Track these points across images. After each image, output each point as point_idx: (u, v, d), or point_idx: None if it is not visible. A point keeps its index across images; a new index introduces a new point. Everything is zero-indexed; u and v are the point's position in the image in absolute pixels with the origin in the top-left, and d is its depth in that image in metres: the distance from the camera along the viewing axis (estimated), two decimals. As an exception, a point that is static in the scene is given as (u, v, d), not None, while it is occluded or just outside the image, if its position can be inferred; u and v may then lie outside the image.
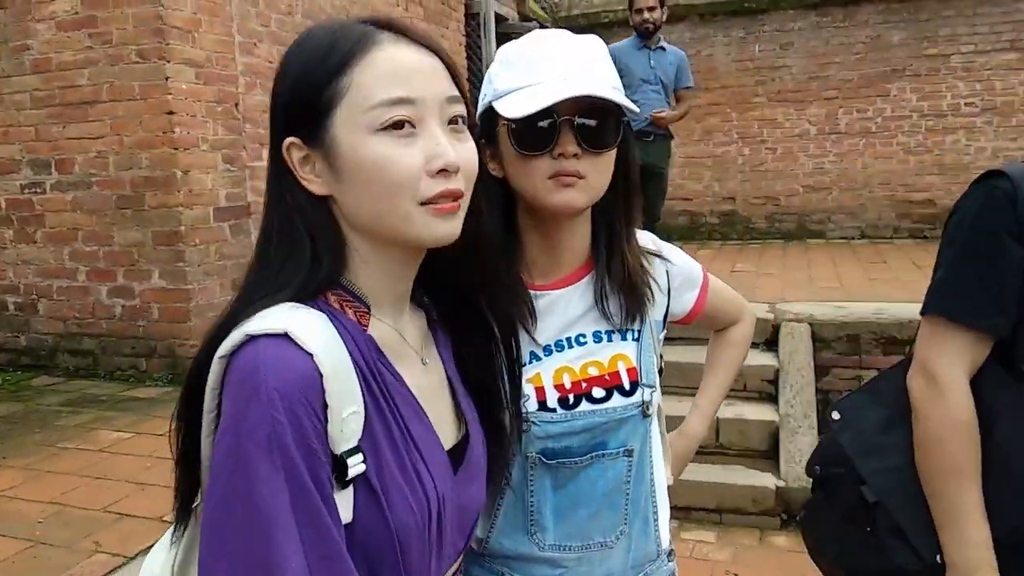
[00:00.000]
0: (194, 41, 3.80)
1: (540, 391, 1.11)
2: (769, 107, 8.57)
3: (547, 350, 1.13)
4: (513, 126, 1.03)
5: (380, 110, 0.78)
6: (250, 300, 0.78)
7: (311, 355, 0.73)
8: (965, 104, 7.96)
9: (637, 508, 1.19)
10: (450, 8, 6.70)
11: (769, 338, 4.41)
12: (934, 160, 8.11)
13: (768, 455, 3.79)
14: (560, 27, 6.48)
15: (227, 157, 4.02)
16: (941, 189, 8.11)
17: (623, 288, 1.16)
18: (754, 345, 4.47)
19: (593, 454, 1.13)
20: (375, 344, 0.84)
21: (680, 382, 3.86)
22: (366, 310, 0.84)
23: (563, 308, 1.15)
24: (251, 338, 0.73)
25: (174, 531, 0.85)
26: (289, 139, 0.81)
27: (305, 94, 0.79)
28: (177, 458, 0.81)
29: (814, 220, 8.48)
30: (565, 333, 1.15)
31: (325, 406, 0.74)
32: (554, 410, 1.10)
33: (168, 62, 3.65)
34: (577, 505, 1.14)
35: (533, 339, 1.12)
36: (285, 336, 0.73)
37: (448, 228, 0.82)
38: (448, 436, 0.91)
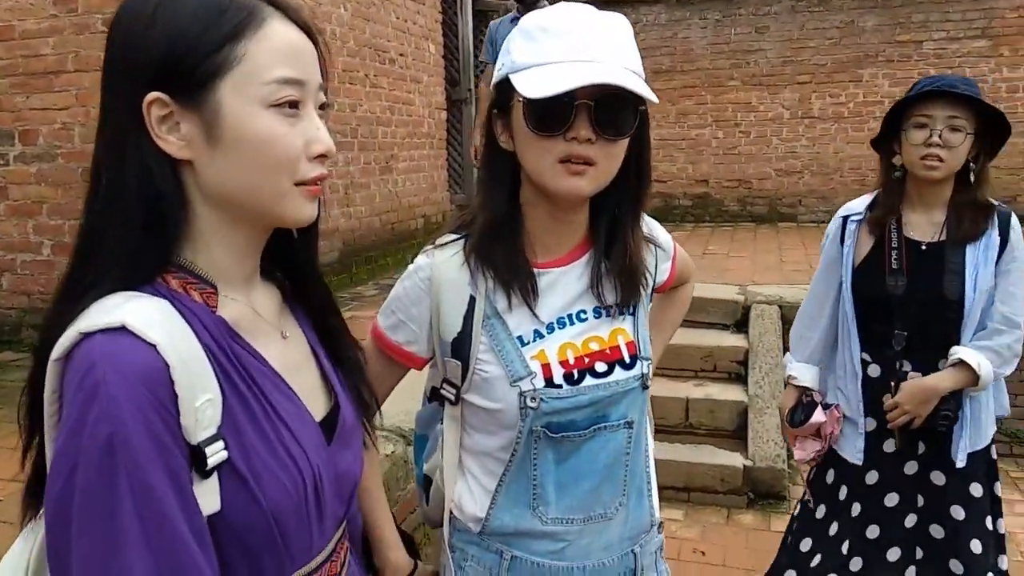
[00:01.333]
0: (163, 11, 3.72)
1: (546, 368, 1.12)
2: (744, 91, 8.61)
3: (550, 327, 1.15)
4: (528, 104, 1.01)
5: (274, 87, 0.77)
6: (76, 292, 0.74)
7: (153, 346, 0.70)
8: (936, 91, 8.04)
9: (634, 479, 1.23)
10: (425, -17, 6.62)
11: (739, 320, 4.45)
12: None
13: (737, 435, 3.84)
14: (537, 5, 6.41)
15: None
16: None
17: (621, 275, 1.18)
18: (724, 327, 4.52)
19: (596, 427, 1.15)
20: (227, 325, 0.81)
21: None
22: (213, 290, 0.81)
23: (565, 285, 1.17)
24: (85, 336, 0.69)
25: (22, 526, 0.81)
26: (154, 94, 0.74)
27: (189, 53, 0.74)
28: (27, 469, 0.78)
29: (785, 203, 8.56)
30: (567, 310, 1.17)
31: (175, 397, 0.71)
32: (560, 386, 1.12)
33: (136, 32, 3.57)
34: (579, 478, 1.16)
35: (536, 316, 1.14)
36: (122, 329, 0.70)
37: (313, 210, 0.83)
38: (318, 407, 0.91)
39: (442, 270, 1.14)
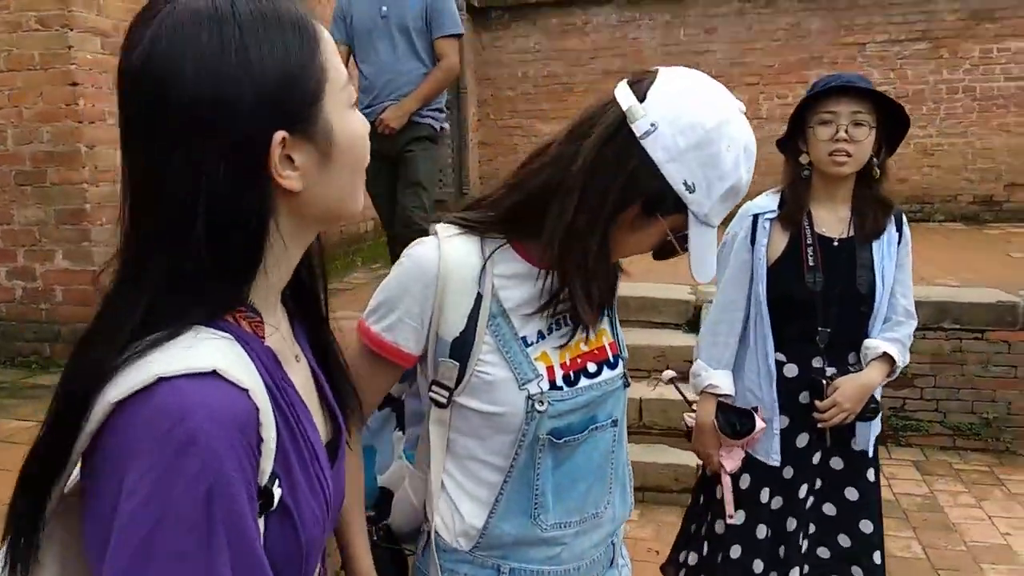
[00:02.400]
0: (99, 9, 3.59)
1: (550, 370, 1.12)
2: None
3: (551, 328, 1.14)
4: (671, 240, 1.09)
5: (350, 87, 0.75)
6: (145, 326, 0.65)
7: (246, 391, 0.66)
8: (879, 92, 8.23)
9: (617, 475, 1.25)
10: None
11: (690, 319, 4.48)
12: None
13: (690, 434, 3.85)
14: (488, 7, 6.34)
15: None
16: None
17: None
18: (676, 326, 4.55)
19: (589, 428, 1.16)
20: (275, 356, 0.76)
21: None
22: (259, 319, 0.75)
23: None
24: (163, 380, 0.62)
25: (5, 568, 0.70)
26: (281, 133, 0.68)
27: (297, 80, 0.68)
28: (22, 493, 0.69)
29: (738, 204, 8.64)
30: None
31: (260, 441, 0.67)
32: (561, 388, 1.12)
33: (71, 30, 3.45)
34: (576, 480, 1.16)
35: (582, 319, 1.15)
36: (214, 374, 0.64)
37: None
38: (322, 429, 0.86)
39: (450, 266, 1.09)
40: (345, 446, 0.90)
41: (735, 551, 2.13)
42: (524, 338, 1.12)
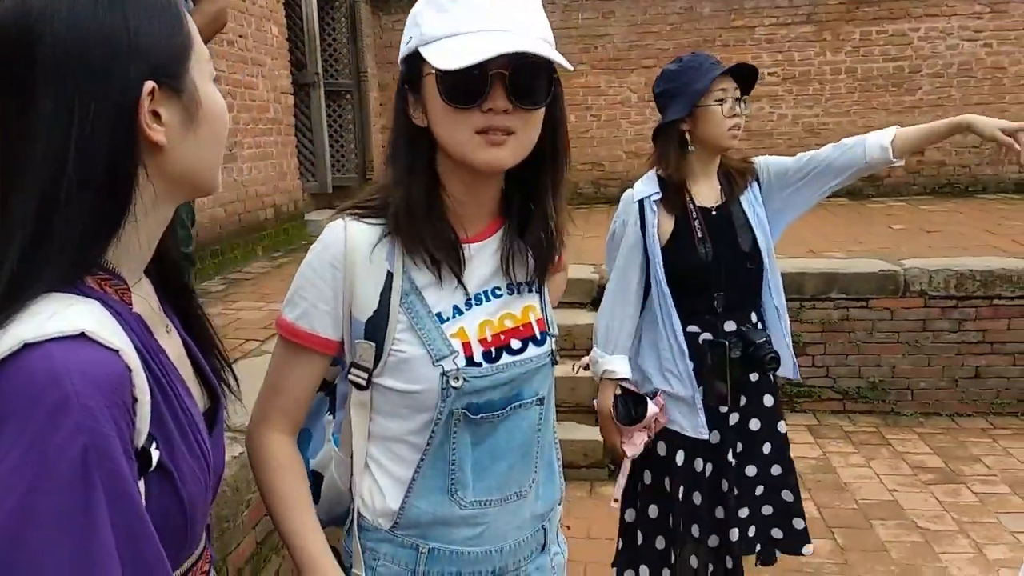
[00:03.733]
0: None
1: (467, 346, 1.10)
2: (593, 75, 8.80)
3: (468, 304, 1.13)
4: (442, 77, 0.99)
5: (211, 62, 0.81)
6: (10, 292, 0.66)
7: (116, 351, 0.67)
8: (768, 74, 8.53)
9: (543, 454, 1.23)
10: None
11: (595, 298, 4.56)
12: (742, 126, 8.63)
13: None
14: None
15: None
16: (749, 153, 8.62)
17: (536, 249, 1.17)
18: (580, 305, 4.62)
19: (511, 405, 1.14)
20: (143, 322, 0.78)
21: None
22: (125, 287, 0.76)
23: (481, 261, 1.15)
24: (28, 346, 0.63)
25: None
26: (151, 83, 0.72)
27: (166, 38, 0.74)
28: None
29: (631, 184, 8.83)
30: (484, 286, 1.15)
31: (135, 402, 0.69)
32: (480, 364, 1.10)
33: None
34: (496, 458, 1.15)
35: (463, 290, 1.12)
36: (82, 336, 0.65)
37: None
38: (200, 400, 0.87)
39: (356, 245, 1.08)
40: (222, 419, 0.90)
41: (683, 525, 2.21)
42: (439, 314, 1.10)
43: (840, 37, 8.35)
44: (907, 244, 5.57)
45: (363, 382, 1.11)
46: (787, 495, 2.30)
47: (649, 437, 2.19)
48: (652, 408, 2.14)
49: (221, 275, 5.25)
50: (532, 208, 1.16)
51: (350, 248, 1.08)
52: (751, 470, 2.26)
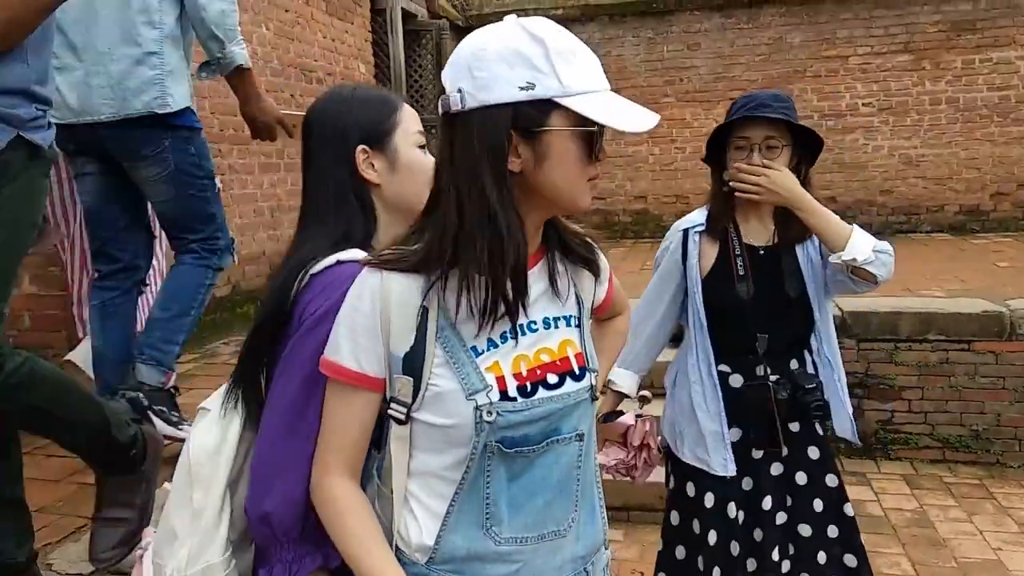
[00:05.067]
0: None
1: (501, 380, 1.10)
2: (678, 107, 8.71)
3: (503, 338, 1.12)
4: (592, 131, 1.05)
5: (417, 135, 1.32)
6: (319, 247, 1.21)
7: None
8: (863, 104, 8.25)
9: (585, 493, 1.21)
10: (354, 3, 6.53)
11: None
12: (834, 158, 8.37)
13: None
14: (472, 26, 6.42)
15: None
16: (841, 187, 8.39)
17: (572, 264, 1.22)
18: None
19: (548, 440, 1.13)
20: None
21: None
22: None
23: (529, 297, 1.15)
24: (340, 262, 1.19)
25: (226, 412, 1.21)
26: (361, 146, 1.27)
27: (376, 123, 1.29)
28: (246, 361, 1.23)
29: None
30: (520, 320, 1.14)
31: None
32: (515, 399, 1.10)
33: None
34: (533, 494, 1.14)
35: (512, 323, 1.12)
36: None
37: None
38: None
39: (391, 285, 1.09)
40: None
41: (715, 573, 2.11)
42: (474, 348, 1.10)
43: (940, 66, 8.01)
44: (1013, 283, 5.22)
45: (402, 416, 1.11)
46: (850, 560, 2.14)
47: (627, 460, 2.13)
48: (625, 419, 2.10)
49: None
50: (557, 231, 1.21)
51: (386, 287, 1.09)
52: (805, 530, 2.13)
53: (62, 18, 2.27)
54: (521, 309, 1.10)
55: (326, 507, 1.13)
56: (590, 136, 1.05)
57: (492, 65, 1.02)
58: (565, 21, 8.75)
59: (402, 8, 7.37)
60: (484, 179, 1.04)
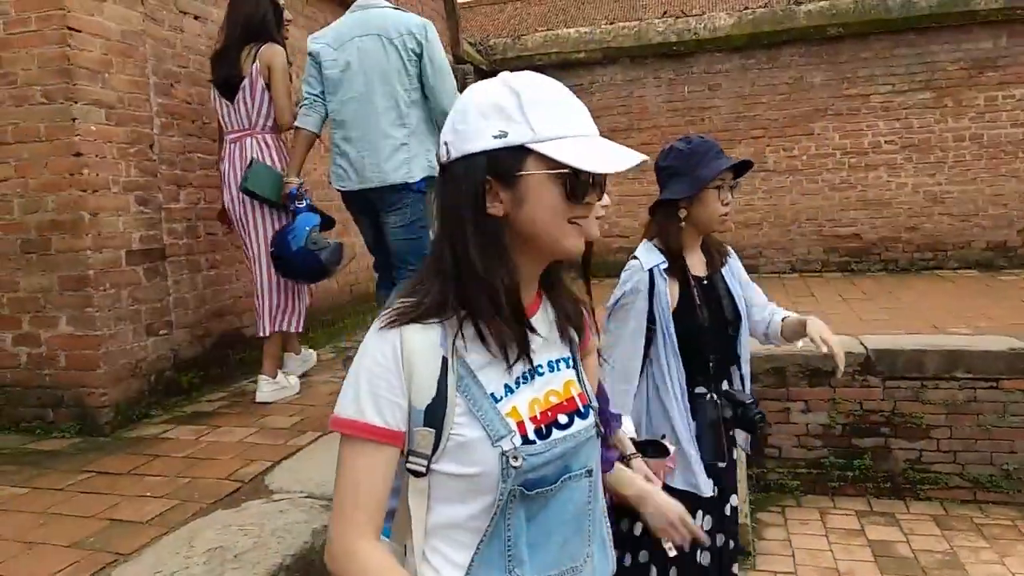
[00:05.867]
0: (104, 82, 3.70)
1: (521, 425, 1.12)
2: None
3: (517, 382, 1.15)
4: (570, 175, 1.07)
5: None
6: None
7: None
8: (885, 142, 8.25)
9: (595, 528, 1.24)
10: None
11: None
12: (858, 196, 8.35)
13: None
14: (495, 71, 6.54)
15: (140, 199, 3.90)
16: (866, 224, 8.35)
17: (568, 312, 1.25)
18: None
19: (561, 479, 1.16)
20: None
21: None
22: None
23: (532, 339, 1.18)
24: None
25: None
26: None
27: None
28: None
29: (746, 255, 8.63)
30: (526, 365, 1.17)
31: None
32: (534, 442, 1.12)
33: (76, 103, 3.54)
34: (551, 533, 1.16)
35: (529, 364, 1.16)
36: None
37: None
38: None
39: (411, 337, 1.10)
40: None
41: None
42: (492, 395, 1.12)
43: (962, 103, 8.01)
44: (1043, 320, 5.15)
45: (422, 469, 1.11)
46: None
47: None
48: (671, 446, 2.24)
49: (332, 344, 5.43)
50: (553, 286, 1.24)
51: (406, 340, 1.10)
52: (721, 539, 2.39)
53: (346, 122, 3.69)
54: (530, 353, 1.14)
55: (351, 574, 1.10)
56: (566, 178, 1.07)
57: (472, 118, 1.10)
58: (588, 64, 8.95)
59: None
60: (466, 224, 1.11)
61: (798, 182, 8.51)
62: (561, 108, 1.10)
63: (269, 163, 3.96)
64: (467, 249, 1.10)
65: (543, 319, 1.22)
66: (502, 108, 1.08)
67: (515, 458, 1.08)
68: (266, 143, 4.00)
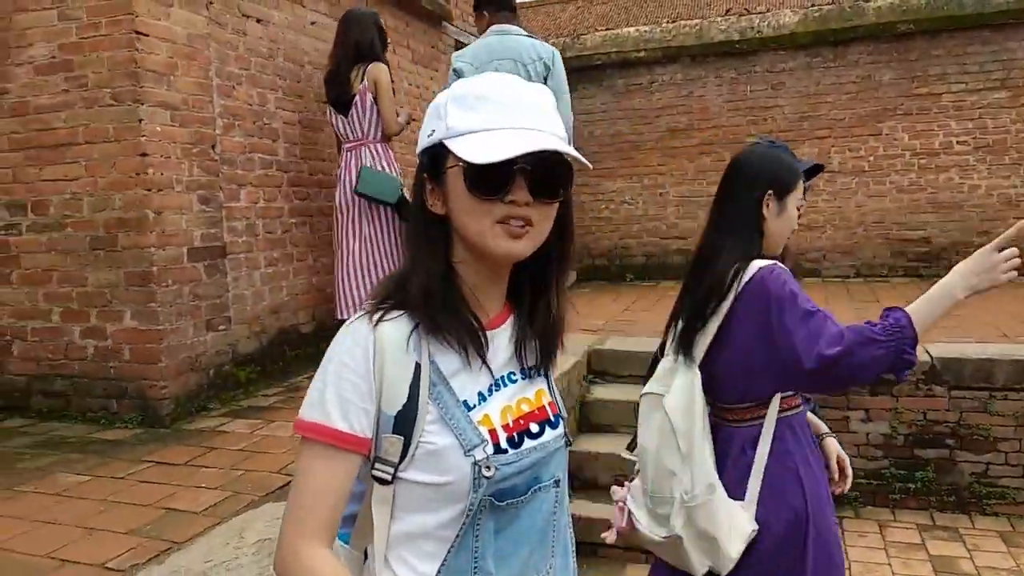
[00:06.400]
0: (170, 84, 3.82)
1: (493, 433, 1.10)
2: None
3: (490, 390, 1.13)
4: (469, 169, 1.03)
5: (800, 199, 2.01)
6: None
7: None
8: (957, 142, 7.97)
9: (559, 539, 1.22)
10: (439, 52, 6.77)
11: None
12: (928, 198, 8.08)
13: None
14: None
15: (202, 198, 4.02)
16: (936, 227, 8.07)
17: (544, 335, 1.20)
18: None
19: (531, 489, 1.14)
20: None
21: (626, 420, 3.96)
22: None
23: (500, 347, 1.16)
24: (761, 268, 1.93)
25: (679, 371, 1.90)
26: (769, 191, 2.02)
27: (784, 175, 2.03)
28: None
29: (809, 259, 8.44)
30: (500, 372, 1.16)
31: None
32: (506, 451, 1.10)
33: (142, 104, 3.67)
34: (519, 545, 1.13)
35: (489, 374, 1.13)
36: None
37: None
38: None
39: (385, 340, 1.07)
40: None
41: None
42: (465, 402, 1.10)
43: (1041, 102, 7.67)
44: (1123, 329, 4.90)
45: (388, 477, 1.08)
46: None
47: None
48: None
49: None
50: (538, 298, 1.19)
51: (379, 342, 1.07)
52: None
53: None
54: (483, 349, 1.12)
55: None
56: (464, 171, 1.03)
57: (424, 122, 1.12)
58: (647, 63, 8.84)
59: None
60: (416, 223, 1.14)
61: (864, 183, 8.27)
62: (487, 103, 1.05)
63: (379, 168, 4.38)
64: (414, 248, 1.13)
65: (511, 328, 1.19)
66: (437, 108, 1.09)
67: (487, 468, 1.06)
68: (377, 152, 4.43)
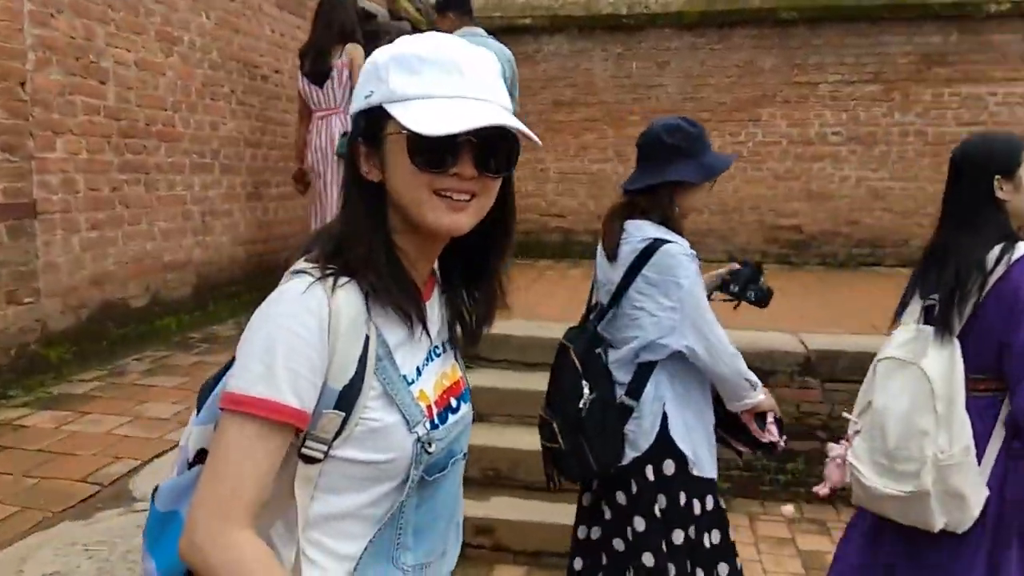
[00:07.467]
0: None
1: (429, 409, 1.10)
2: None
3: (425, 363, 1.12)
4: (413, 139, 0.99)
5: None
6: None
7: None
8: (832, 133, 8.10)
9: (455, 510, 1.23)
10: (308, -2, 6.19)
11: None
12: (801, 187, 8.19)
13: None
14: (435, 28, 6.21)
15: (6, 145, 3.37)
16: (808, 216, 8.21)
17: (483, 309, 1.21)
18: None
19: (450, 462, 1.15)
20: None
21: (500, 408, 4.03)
22: None
23: (431, 320, 1.14)
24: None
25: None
26: (997, 177, 2.15)
27: (1009, 161, 2.14)
28: None
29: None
30: (430, 345, 1.15)
31: None
32: (438, 426, 1.11)
33: None
34: (436, 518, 1.15)
35: (429, 345, 1.13)
36: None
37: None
38: None
39: (342, 312, 1.01)
40: None
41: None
42: (405, 376, 1.07)
43: (910, 98, 7.89)
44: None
45: (320, 455, 1.02)
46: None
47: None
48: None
49: (235, 319, 4.94)
50: (476, 271, 1.18)
51: (335, 314, 1.00)
52: (619, 544, 2.43)
53: None
54: (425, 320, 1.09)
55: (227, 565, 0.95)
56: (407, 140, 0.99)
57: (360, 82, 1.07)
58: (533, 30, 8.52)
59: (362, 8, 7.01)
60: (353, 189, 1.09)
61: (743, 169, 8.29)
62: (431, 67, 1.00)
63: None
64: (352, 215, 1.08)
65: (438, 300, 1.18)
66: (376, 68, 1.04)
67: (429, 443, 1.06)
68: (346, 121, 4.71)
